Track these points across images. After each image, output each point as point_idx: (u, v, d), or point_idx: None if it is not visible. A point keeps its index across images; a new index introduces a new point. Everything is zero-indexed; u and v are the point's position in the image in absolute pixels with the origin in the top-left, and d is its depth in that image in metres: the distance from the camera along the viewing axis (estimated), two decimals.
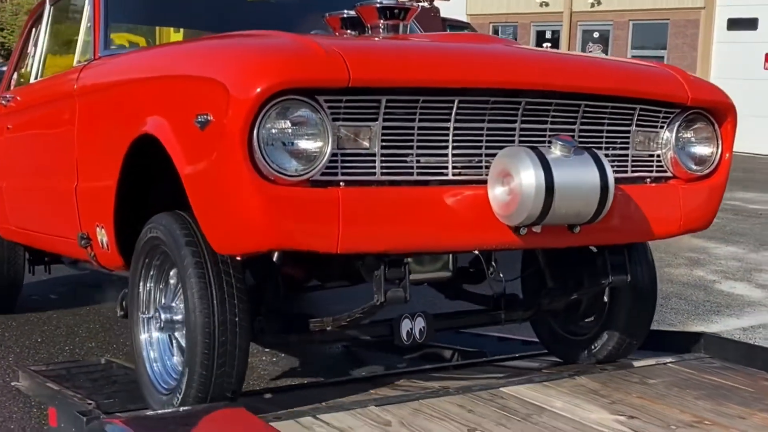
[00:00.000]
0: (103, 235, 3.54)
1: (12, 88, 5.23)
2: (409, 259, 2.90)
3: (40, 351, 4.84)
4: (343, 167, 2.74)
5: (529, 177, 2.71)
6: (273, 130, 2.64)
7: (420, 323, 3.33)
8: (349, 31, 3.68)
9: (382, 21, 3.48)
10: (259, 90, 2.57)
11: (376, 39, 3.28)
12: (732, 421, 3.01)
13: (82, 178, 3.72)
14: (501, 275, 3.19)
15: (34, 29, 5.11)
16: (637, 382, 3.42)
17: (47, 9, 4.81)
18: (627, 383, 3.39)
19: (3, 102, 4.84)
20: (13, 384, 3.89)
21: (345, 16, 3.66)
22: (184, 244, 2.93)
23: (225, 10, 4.35)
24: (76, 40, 4.23)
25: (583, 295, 3.51)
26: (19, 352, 4.82)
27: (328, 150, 2.68)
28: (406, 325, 3.32)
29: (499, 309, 3.65)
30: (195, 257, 2.90)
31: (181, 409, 2.85)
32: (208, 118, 2.72)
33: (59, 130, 4.00)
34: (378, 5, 3.47)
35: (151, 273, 3.23)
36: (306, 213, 2.66)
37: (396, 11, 3.49)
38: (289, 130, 2.65)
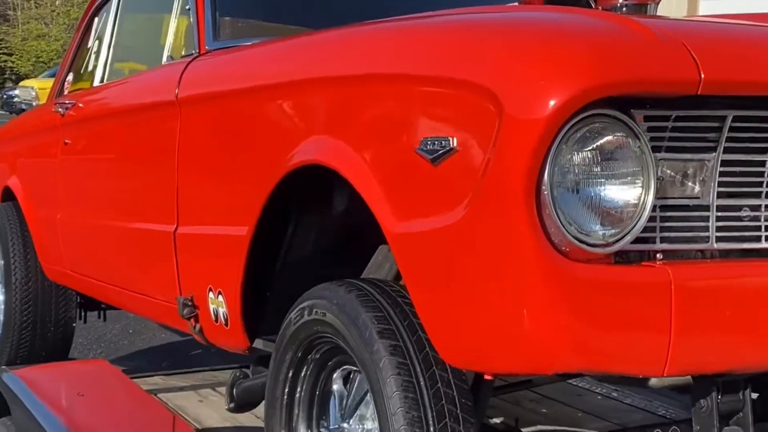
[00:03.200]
0: (219, 305, 2.47)
1: (66, 92, 4.16)
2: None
3: None
4: (662, 230, 1.66)
5: None
6: (572, 169, 1.56)
7: None
8: None
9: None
10: (558, 102, 1.50)
11: (694, 20, 2.18)
12: None
13: (185, 221, 2.64)
14: None
15: (96, 19, 4.04)
16: None
17: None
18: None
19: (60, 111, 3.74)
20: None
21: None
22: (377, 338, 1.84)
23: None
24: (163, 30, 3.18)
25: None
26: None
27: (650, 201, 1.61)
28: None
29: None
30: (397, 359, 1.81)
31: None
32: (450, 145, 1.65)
33: (147, 152, 2.92)
34: None
35: (305, 373, 2.16)
36: (623, 311, 1.58)
37: None
38: (598, 168, 1.58)
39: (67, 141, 3.64)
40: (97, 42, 3.91)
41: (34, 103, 21.74)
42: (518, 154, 1.52)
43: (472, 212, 1.60)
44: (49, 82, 20.79)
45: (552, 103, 1.50)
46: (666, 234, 1.66)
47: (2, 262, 4.34)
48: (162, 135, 2.77)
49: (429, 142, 1.69)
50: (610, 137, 1.58)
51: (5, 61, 33.10)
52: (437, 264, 1.70)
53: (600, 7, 2.41)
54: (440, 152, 1.66)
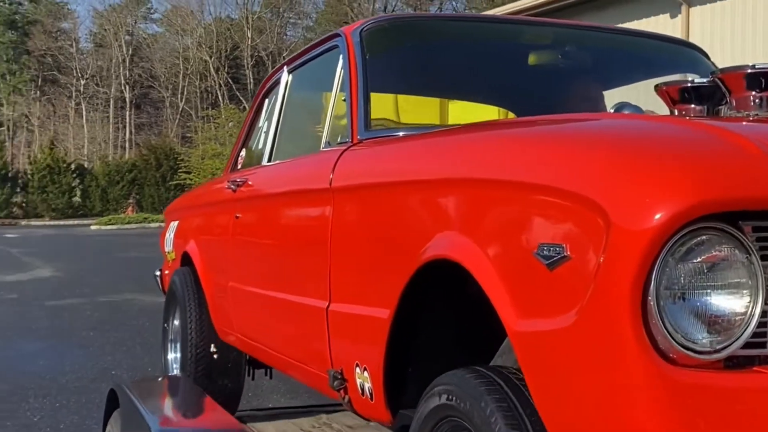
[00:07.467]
0: (365, 380, 2.64)
1: (239, 167, 4.50)
2: None
3: None
4: None
5: None
6: (678, 279, 1.65)
7: None
8: (693, 105, 2.67)
9: (754, 92, 2.45)
10: (663, 217, 1.59)
11: None
12: None
13: (337, 299, 2.84)
14: None
15: (267, 100, 4.37)
16: None
17: (284, 76, 4.04)
18: None
19: (232, 187, 4.07)
20: None
21: (690, 85, 2.65)
22: (501, 422, 1.96)
23: (508, 77, 3.42)
24: (323, 115, 3.42)
25: None
26: None
27: (758, 309, 1.67)
28: None
29: None
30: None
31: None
32: (563, 253, 1.76)
33: (305, 233, 3.16)
34: (750, 71, 2.44)
35: None
36: (734, 416, 1.64)
37: None
38: (704, 279, 1.66)
39: (238, 215, 3.95)
40: (266, 122, 4.22)
41: None
42: (625, 265, 1.62)
43: (584, 317, 1.70)
44: None
45: (657, 217, 1.59)
46: None
47: (178, 322, 4.71)
48: (317, 217, 2.99)
49: (545, 248, 1.80)
50: (717, 249, 1.64)
51: (185, 178, 36.49)
52: (553, 361, 1.81)
53: (734, 101, 2.48)
54: (555, 258, 1.78)
